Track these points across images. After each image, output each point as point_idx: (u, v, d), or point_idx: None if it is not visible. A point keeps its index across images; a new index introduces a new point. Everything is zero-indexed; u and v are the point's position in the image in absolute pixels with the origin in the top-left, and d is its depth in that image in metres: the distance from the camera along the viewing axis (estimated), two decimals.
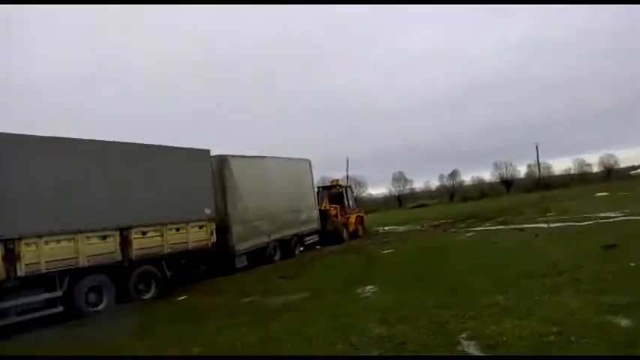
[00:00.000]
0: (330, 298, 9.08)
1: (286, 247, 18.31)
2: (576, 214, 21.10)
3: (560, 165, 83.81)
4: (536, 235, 15.28)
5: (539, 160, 72.90)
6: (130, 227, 11.20)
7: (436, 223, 28.20)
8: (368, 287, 9.70)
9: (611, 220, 17.53)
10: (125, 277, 11.14)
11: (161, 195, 12.17)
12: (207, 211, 13.51)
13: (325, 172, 68.30)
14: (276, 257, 17.44)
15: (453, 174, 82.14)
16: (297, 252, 18.98)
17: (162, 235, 12.01)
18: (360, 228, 25.13)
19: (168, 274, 12.14)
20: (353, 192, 26.46)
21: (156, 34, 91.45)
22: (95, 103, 77.25)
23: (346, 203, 24.91)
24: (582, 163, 79.13)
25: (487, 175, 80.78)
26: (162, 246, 11.99)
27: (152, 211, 11.83)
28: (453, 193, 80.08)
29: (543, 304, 6.73)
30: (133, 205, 11.38)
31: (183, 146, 13.19)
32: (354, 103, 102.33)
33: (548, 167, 76.76)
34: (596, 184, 59.88)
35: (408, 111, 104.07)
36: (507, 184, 77.61)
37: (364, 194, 78.84)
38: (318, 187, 25.25)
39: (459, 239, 17.43)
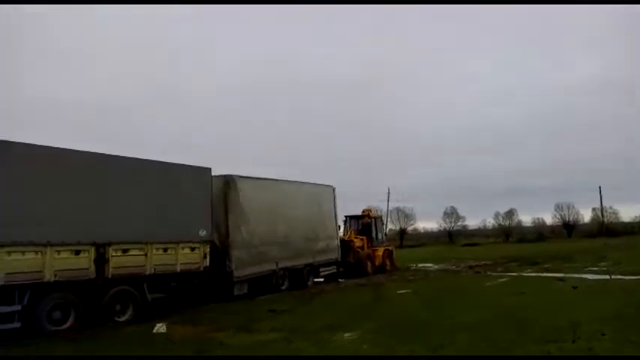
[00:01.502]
0: (300, 343, 7.86)
1: (298, 276, 17.13)
2: (631, 267, 18.66)
3: (630, 212, 77.68)
4: (575, 288, 13.30)
5: (605, 204, 67.53)
6: (109, 244, 10.53)
7: (475, 263, 26.03)
8: (351, 334, 8.42)
9: None
10: (98, 296, 10.42)
11: (149, 212, 11.48)
12: (202, 232, 12.69)
13: (372, 202, 67.01)
14: (284, 287, 16.29)
15: (510, 213, 77.98)
16: (310, 282, 17.74)
17: (145, 255, 11.27)
18: (387, 262, 23.50)
19: (150, 296, 11.33)
20: (383, 223, 24.92)
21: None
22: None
23: (374, 235, 23.44)
24: None
25: (548, 217, 76.01)
26: (144, 266, 11.22)
27: (137, 229, 11.14)
28: (508, 232, 75.81)
29: None
30: (114, 220, 10.72)
31: (179, 162, 12.56)
32: (412, 134, 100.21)
33: (616, 213, 71.18)
34: None
35: (464, 145, 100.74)
36: (569, 227, 72.50)
37: (410, 228, 76.79)
38: (346, 217, 24.04)
39: (487, 285, 15.58)
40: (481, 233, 79.32)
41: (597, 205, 66.54)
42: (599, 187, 55.77)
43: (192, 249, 12.47)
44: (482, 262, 26.41)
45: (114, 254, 10.62)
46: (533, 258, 27.23)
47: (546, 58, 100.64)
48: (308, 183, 18.79)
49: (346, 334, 8.37)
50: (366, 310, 11.16)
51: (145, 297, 11.24)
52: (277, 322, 10.10)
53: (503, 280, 16.86)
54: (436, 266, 25.99)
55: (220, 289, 13.99)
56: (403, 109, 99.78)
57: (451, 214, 78.02)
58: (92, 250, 10.26)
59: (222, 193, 14.14)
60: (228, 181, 14.28)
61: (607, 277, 16.08)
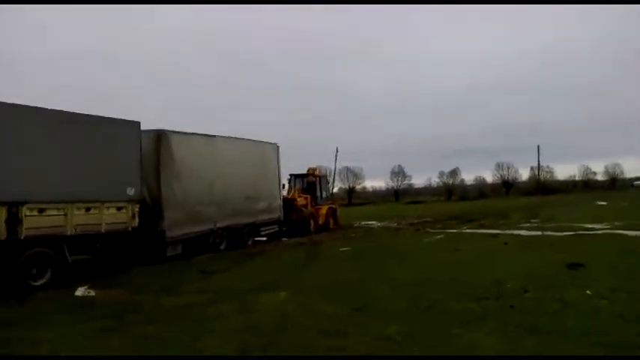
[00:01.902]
0: (223, 305, 7.53)
1: (237, 236, 16.74)
2: (561, 223, 19.55)
3: (566, 171, 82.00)
4: (505, 244, 13.71)
5: (543, 164, 70.91)
6: (23, 202, 9.66)
7: (416, 221, 26.58)
8: (278, 294, 8.17)
9: (595, 232, 15.91)
10: (12, 259, 9.63)
11: (70, 169, 10.59)
12: (130, 191, 11.94)
13: (322, 162, 67.05)
14: (222, 247, 15.86)
15: (454, 172, 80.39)
16: (250, 242, 17.41)
17: (65, 215, 10.47)
18: (331, 221, 23.49)
19: (71, 259, 10.62)
20: (328, 182, 24.76)
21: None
22: None
23: (318, 194, 23.27)
24: (587, 171, 77.17)
25: (490, 177, 79.03)
26: (64, 227, 10.43)
27: (55, 187, 10.26)
28: (451, 190, 78.36)
29: (450, 342, 5.14)
30: (29, 177, 9.81)
31: (104, 115, 11.61)
32: (362, 97, 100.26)
33: (552, 172, 74.86)
34: (599, 192, 57.99)
35: (415, 108, 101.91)
36: (508, 185, 75.79)
37: (359, 186, 77.77)
38: (291, 175, 23.69)
39: (425, 241, 15.82)
40: (426, 192, 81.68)
41: (535, 164, 69.90)
42: (538, 147, 58.12)
43: (119, 208, 11.73)
44: (423, 220, 27.01)
45: (28, 214, 9.73)
46: (471, 215, 28.17)
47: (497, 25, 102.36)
48: (249, 140, 18.12)
49: (274, 295, 8.12)
50: (299, 270, 10.97)
51: (64, 259, 10.49)
52: (206, 283, 9.75)
53: (440, 237, 17.18)
54: (379, 224, 26.34)
55: (152, 250, 13.41)
56: (356, 70, 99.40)
57: (398, 173, 79.62)
58: (3, 210, 9.37)
59: (154, 149, 13.31)
60: (160, 136, 13.43)
61: (539, 232, 16.70)
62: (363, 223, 27.27)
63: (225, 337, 5.74)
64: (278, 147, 19.76)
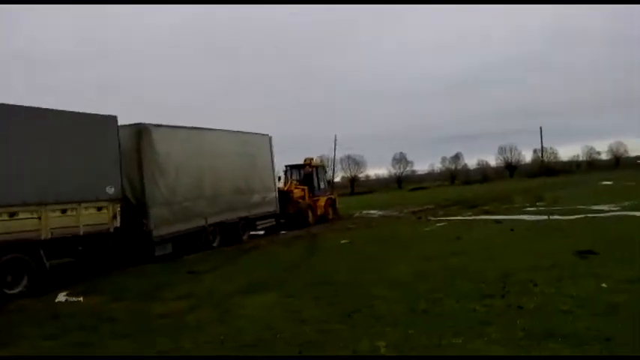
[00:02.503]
0: (203, 313, 6.89)
1: (232, 231, 16.11)
2: (568, 205, 18.82)
3: (569, 152, 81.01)
4: (511, 230, 13.01)
5: (546, 146, 69.92)
6: None
7: (418, 208, 25.87)
8: (267, 296, 7.54)
9: (604, 214, 15.19)
10: None
11: (42, 169, 9.93)
12: (110, 190, 11.27)
13: (323, 151, 66.23)
14: (216, 243, 15.23)
15: (456, 157, 79.45)
16: (245, 237, 16.78)
17: (39, 218, 9.82)
18: (330, 211, 22.82)
19: (48, 263, 9.99)
20: (326, 172, 24.01)
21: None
22: None
23: (316, 185, 22.56)
24: (591, 151, 76.18)
25: (493, 160, 78.12)
26: (38, 230, 9.78)
27: (27, 188, 9.62)
28: (454, 175, 77.49)
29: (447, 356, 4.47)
30: None
31: (79, 111, 10.92)
32: (360, 83, 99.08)
33: (555, 153, 73.90)
34: (603, 172, 57.11)
35: (415, 92, 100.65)
36: (511, 168, 74.90)
37: (361, 175, 76.92)
38: (286, 167, 23.00)
39: (426, 230, 15.16)
40: (429, 177, 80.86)
41: (539, 146, 68.95)
42: (540, 128, 57.18)
43: (99, 209, 11.08)
44: (425, 207, 26.30)
45: None
46: (474, 200, 27.39)
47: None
48: (239, 132, 17.42)
49: (262, 297, 7.48)
50: (292, 267, 10.30)
51: (42, 265, 9.86)
52: (191, 285, 9.10)
53: (442, 224, 16.51)
54: (380, 212, 25.66)
55: (140, 250, 12.80)
56: (356, 57, 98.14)
57: (400, 160, 78.63)
58: None
59: (135, 144, 12.64)
60: (141, 130, 12.73)
61: (545, 217, 15.98)
62: (364, 212, 26.58)
63: (198, 353, 5.09)
64: (270, 138, 19.06)
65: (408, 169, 78.93)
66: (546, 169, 65.30)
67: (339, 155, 73.04)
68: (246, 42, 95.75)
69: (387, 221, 20.35)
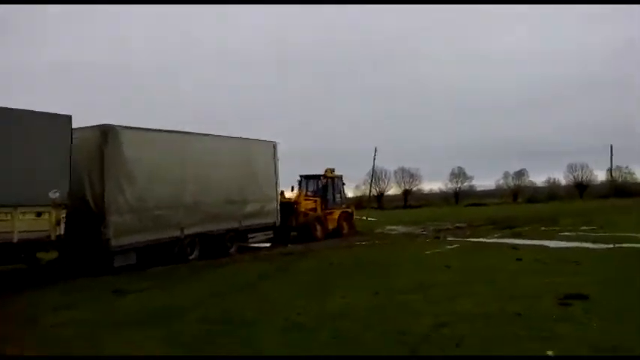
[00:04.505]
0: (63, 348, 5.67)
1: (216, 243, 14.95)
2: (613, 232, 16.12)
3: None
4: (518, 260, 10.90)
5: (618, 165, 63.67)
6: None
7: (449, 226, 23.57)
8: (152, 335, 6.20)
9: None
10: None
11: None
12: (55, 194, 10.44)
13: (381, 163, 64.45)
14: (193, 256, 14.10)
15: (520, 173, 74.44)
16: (233, 250, 15.54)
17: None
18: (345, 226, 21.10)
19: None
20: (344, 184, 22.35)
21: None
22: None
23: (330, 197, 20.99)
24: None
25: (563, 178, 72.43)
26: None
27: None
28: (517, 193, 72.56)
29: None
30: None
31: (21, 108, 10.20)
32: (423, 96, 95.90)
33: (632, 173, 67.20)
34: None
35: (481, 108, 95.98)
36: (581, 187, 68.95)
37: (415, 188, 73.93)
38: (301, 177, 21.65)
39: (426, 254, 13.12)
40: (492, 194, 76.25)
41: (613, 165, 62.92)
42: (610, 146, 52.03)
43: (39, 214, 10.28)
44: (456, 225, 23.91)
45: None
46: (517, 220, 24.60)
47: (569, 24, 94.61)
48: (237, 138, 16.34)
49: (143, 333, 6.14)
50: (232, 291, 8.87)
51: None
52: (92, 309, 7.84)
53: (452, 247, 14.43)
54: (405, 229, 23.60)
55: (97, 259, 11.94)
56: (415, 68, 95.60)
57: (458, 174, 74.82)
58: None
59: (98, 146, 11.80)
60: (107, 132, 11.85)
61: (576, 244, 13.52)
62: (389, 228, 24.63)
63: None
64: (275, 145, 17.77)
65: (466, 184, 74.81)
66: (620, 189, 59.32)
67: (392, 168, 71.14)
68: (299, 53, 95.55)
69: (401, 240, 18.36)
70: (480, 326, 5.57)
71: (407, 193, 72.37)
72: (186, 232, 13.81)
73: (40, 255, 12.43)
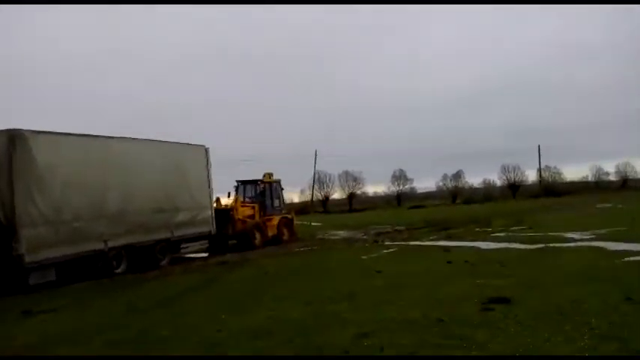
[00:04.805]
0: None
1: (145, 255, 14.21)
2: (543, 231, 16.75)
3: (576, 172, 77.83)
4: (449, 263, 10.95)
5: (551, 165, 67.35)
6: None
7: (388, 230, 23.79)
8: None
9: (570, 244, 13.07)
10: None
11: None
12: None
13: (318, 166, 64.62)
14: (120, 269, 13.34)
15: (457, 175, 76.93)
16: (165, 262, 14.82)
17: None
18: (285, 232, 20.74)
19: None
20: (282, 189, 21.99)
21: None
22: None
23: (269, 203, 20.59)
24: (600, 171, 73.07)
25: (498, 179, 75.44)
26: None
27: None
28: (455, 194, 74.93)
29: None
30: None
31: None
32: (361, 100, 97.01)
33: (560, 173, 71.12)
34: (608, 193, 54.36)
35: (416, 110, 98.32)
36: (514, 188, 72.11)
37: (360, 191, 74.72)
38: (237, 182, 21.07)
39: (362, 258, 13.04)
40: (431, 196, 78.32)
41: (544, 165, 66.43)
42: (538, 147, 54.91)
43: None
44: (395, 228, 24.18)
45: None
46: (453, 222, 25.18)
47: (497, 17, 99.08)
48: (163, 142, 15.64)
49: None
50: (153, 310, 8.25)
51: None
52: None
53: (388, 251, 14.44)
54: (346, 233, 23.59)
55: (10, 277, 10.97)
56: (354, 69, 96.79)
57: (399, 176, 76.30)
58: None
59: (6, 154, 10.89)
60: (14, 137, 10.98)
61: (505, 245, 13.87)
62: (331, 232, 24.53)
63: None
64: (207, 149, 17.19)
65: (407, 186, 76.43)
66: (549, 189, 62.69)
67: (337, 171, 71.58)
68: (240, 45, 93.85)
69: (340, 245, 18.24)
70: (402, 335, 5.40)
71: (351, 196, 72.90)
72: (111, 244, 13.05)
73: None
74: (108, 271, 12.90)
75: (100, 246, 12.76)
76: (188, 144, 16.62)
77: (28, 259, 10.91)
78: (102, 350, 5.80)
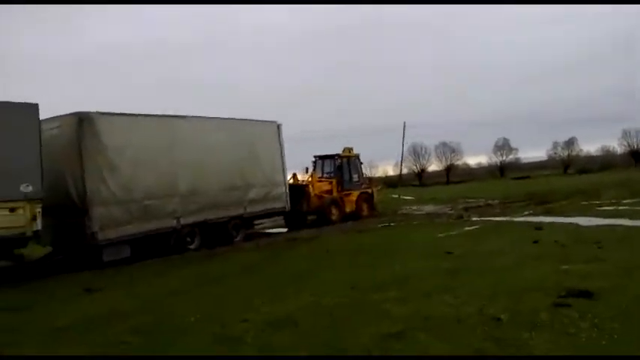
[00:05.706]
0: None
1: (219, 232, 14.27)
2: None
3: None
4: (535, 242, 9.48)
5: None
6: None
7: (479, 204, 21.97)
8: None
9: None
10: None
11: None
12: (27, 187, 9.95)
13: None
14: (194, 245, 13.49)
15: (569, 142, 70.01)
16: (239, 238, 14.81)
17: None
18: (364, 207, 19.93)
19: None
20: (362, 163, 21.05)
21: None
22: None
23: (347, 177, 19.84)
24: None
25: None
26: None
27: None
28: (567, 164, 68.41)
29: None
30: None
31: None
32: (462, 66, 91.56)
33: None
34: None
35: (523, 75, 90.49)
36: (637, 155, 64.00)
37: (459, 162, 71.16)
38: (315, 157, 20.56)
39: (439, 237, 11.87)
40: (542, 166, 72.28)
41: None
42: None
43: (13, 210, 9.84)
44: (488, 202, 22.25)
45: None
46: (557, 194, 22.57)
47: None
48: (234, 119, 15.47)
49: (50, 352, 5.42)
50: (193, 291, 7.99)
51: None
52: (60, 312, 7.25)
53: (471, 228, 13.11)
54: (432, 208, 22.20)
55: (85, 254, 11.51)
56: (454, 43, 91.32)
57: (502, 146, 71.31)
58: None
59: (76, 136, 11.26)
60: (83, 120, 11.29)
61: (609, 221, 11.86)
62: (415, 207, 23.26)
63: None
64: (279, 126, 16.75)
65: (510, 156, 71.18)
66: None
67: (433, 143, 68.67)
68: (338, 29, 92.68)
69: (420, 220, 17.07)
70: (440, 337, 4.45)
71: (449, 168, 69.81)
72: (183, 221, 13.20)
73: (32, 251, 12.34)
74: (181, 247, 13.10)
75: (173, 223, 12.96)
76: (259, 121, 16.34)
77: (100, 236, 11.31)
78: (121, 336, 5.53)
